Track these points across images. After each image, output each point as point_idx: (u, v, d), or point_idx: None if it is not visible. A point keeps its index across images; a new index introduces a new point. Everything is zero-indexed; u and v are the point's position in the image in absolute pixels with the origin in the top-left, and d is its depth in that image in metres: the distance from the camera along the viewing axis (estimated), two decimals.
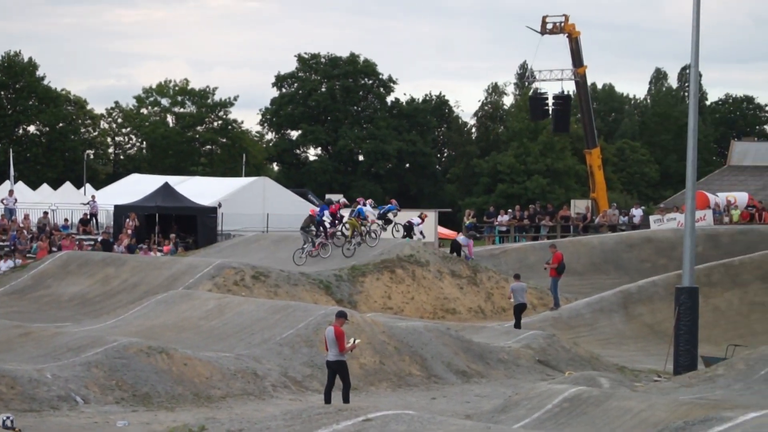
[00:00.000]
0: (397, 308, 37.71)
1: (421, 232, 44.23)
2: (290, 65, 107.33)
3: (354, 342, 21.20)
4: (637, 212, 59.35)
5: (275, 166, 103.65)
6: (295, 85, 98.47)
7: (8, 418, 19.35)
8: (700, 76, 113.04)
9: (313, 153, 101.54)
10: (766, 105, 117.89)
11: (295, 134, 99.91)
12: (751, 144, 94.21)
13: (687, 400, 19.77)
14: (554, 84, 65.66)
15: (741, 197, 58.85)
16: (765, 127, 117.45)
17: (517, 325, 33.24)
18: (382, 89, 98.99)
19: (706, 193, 58.38)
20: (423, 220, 45.03)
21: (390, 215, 42.73)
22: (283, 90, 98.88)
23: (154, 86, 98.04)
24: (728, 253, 43.23)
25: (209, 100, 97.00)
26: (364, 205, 42.39)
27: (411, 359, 26.46)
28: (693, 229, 28.27)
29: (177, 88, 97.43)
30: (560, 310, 37.36)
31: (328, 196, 72.37)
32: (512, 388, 24.65)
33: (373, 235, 41.20)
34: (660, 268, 43.52)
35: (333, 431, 12.82)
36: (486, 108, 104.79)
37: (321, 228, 40.77)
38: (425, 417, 13.13)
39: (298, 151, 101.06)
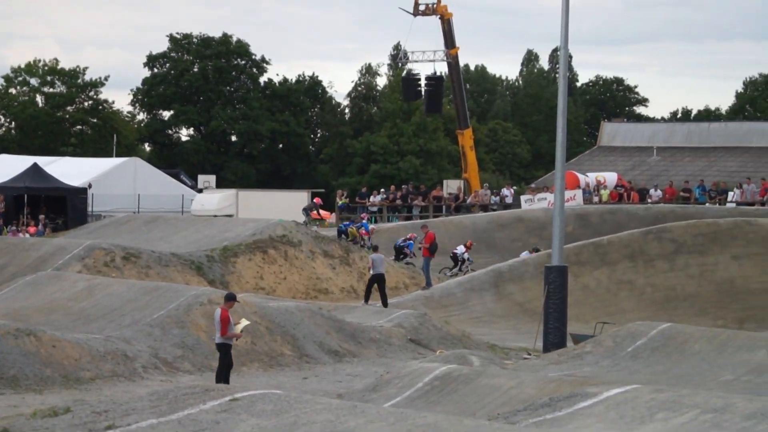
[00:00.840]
0: (270, 288, 37.59)
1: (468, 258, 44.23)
2: (162, 45, 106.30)
3: (242, 327, 21.10)
4: (508, 192, 60.01)
5: (147, 147, 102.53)
6: (167, 65, 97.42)
7: None
8: (571, 57, 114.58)
9: (185, 133, 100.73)
10: (635, 86, 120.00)
11: (167, 115, 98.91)
12: (621, 125, 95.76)
13: (555, 377, 20.03)
14: (427, 65, 66.06)
15: (610, 177, 59.83)
16: (635, 108, 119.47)
17: (383, 297, 33.58)
18: (255, 70, 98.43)
19: (576, 174, 59.22)
20: (468, 248, 44.93)
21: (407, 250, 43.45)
22: (155, 70, 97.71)
23: (23, 66, 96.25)
24: (597, 233, 43.88)
25: (79, 80, 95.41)
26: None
27: (283, 339, 26.39)
28: (562, 209, 28.60)
29: (46, 68, 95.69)
30: (432, 289, 37.62)
31: (201, 177, 72.09)
32: (384, 367, 24.72)
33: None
34: (531, 247, 44.04)
35: (200, 411, 12.72)
36: (359, 89, 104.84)
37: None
38: (292, 396, 13.10)
39: (170, 132, 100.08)
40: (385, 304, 33.83)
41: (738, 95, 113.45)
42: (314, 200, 49.46)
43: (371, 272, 33.89)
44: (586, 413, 13.46)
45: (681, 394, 13.80)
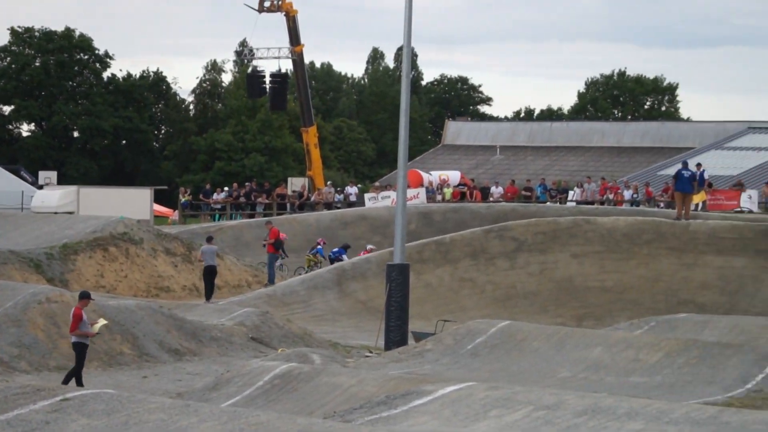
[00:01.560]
0: (110, 287, 37.06)
1: None
2: (2, 39, 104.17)
3: (99, 327, 20.80)
4: (352, 190, 60.18)
5: None
6: (8, 59, 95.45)
7: None
8: (416, 56, 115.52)
9: (26, 129, 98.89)
10: (479, 86, 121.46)
11: (7, 109, 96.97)
12: (465, 123, 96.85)
13: (395, 374, 20.10)
14: (272, 62, 65.84)
15: (453, 176, 60.44)
16: (479, 107, 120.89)
17: (209, 290, 33.46)
18: (98, 65, 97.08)
19: (419, 172, 59.69)
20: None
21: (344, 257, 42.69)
22: None
23: None
24: (440, 231, 44.15)
25: None
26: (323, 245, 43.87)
27: (122, 338, 26.03)
28: (404, 207, 28.73)
29: None
30: (275, 287, 37.50)
31: (42, 173, 70.69)
32: (225, 366, 24.57)
33: None
34: (375, 245, 44.18)
35: (30, 411, 12.47)
36: (204, 85, 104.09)
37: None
38: (125, 396, 12.93)
39: (10, 127, 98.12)
40: (209, 296, 33.79)
41: (580, 95, 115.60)
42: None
43: (202, 263, 33.93)
44: (421, 411, 13.54)
45: (515, 391, 13.97)
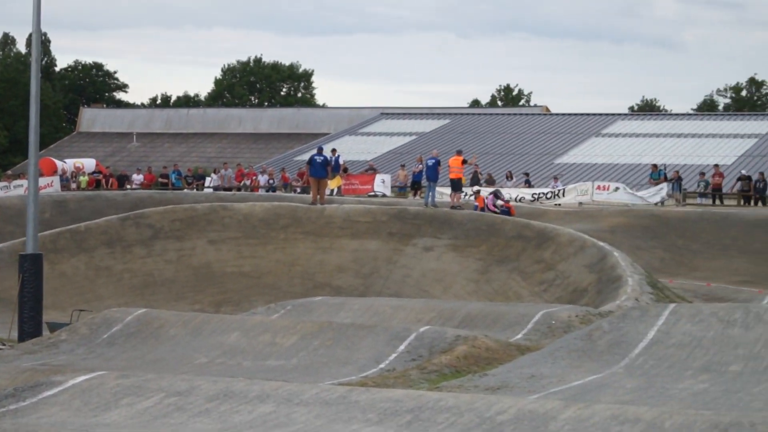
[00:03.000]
0: None
1: None
2: None
3: None
4: None
5: None
6: None
7: None
8: (49, 42, 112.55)
9: None
10: (115, 72, 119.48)
11: None
12: (101, 110, 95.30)
13: (28, 366, 19.54)
14: None
15: (88, 163, 59.37)
16: (114, 94, 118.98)
17: None
18: None
19: (53, 160, 58.30)
20: None
21: None
22: None
23: None
24: (76, 219, 43.21)
25: None
26: None
27: None
28: (36, 196, 27.90)
29: None
30: None
31: None
32: None
33: None
34: (7, 235, 42.75)
35: None
36: None
37: None
38: None
39: None
40: None
41: (216, 82, 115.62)
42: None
43: None
44: (50, 402, 13.18)
45: (146, 379, 13.81)
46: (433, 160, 40.81)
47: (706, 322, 20.14)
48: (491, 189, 45.24)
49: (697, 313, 20.72)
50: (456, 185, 40.80)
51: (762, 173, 49.57)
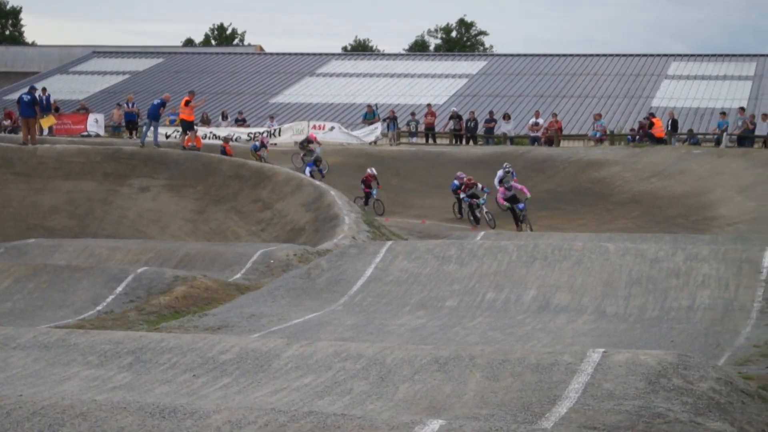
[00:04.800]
0: None
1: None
2: None
3: None
4: None
5: None
6: None
7: None
8: None
9: None
10: None
11: None
12: None
13: None
14: None
15: None
16: None
17: None
18: None
19: None
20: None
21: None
22: None
23: None
24: None
25: None
26: None
27: None
28: None
29: None
30: None
31: None
32: None
33: None
34: None
35: None
36: None
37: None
38: None
39: None
40: None
41: None
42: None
43: None
44: None
45: None
46: (159, 100, 40.05)
47: (422, 259, 20.62)
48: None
49: (413, 250, 21.19)
50: (184, 126, 40.10)
51: (473, 112, 50.93)
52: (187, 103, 39.29)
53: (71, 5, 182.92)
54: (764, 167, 37.82)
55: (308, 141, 43.95)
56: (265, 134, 48.63)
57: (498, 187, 35.11)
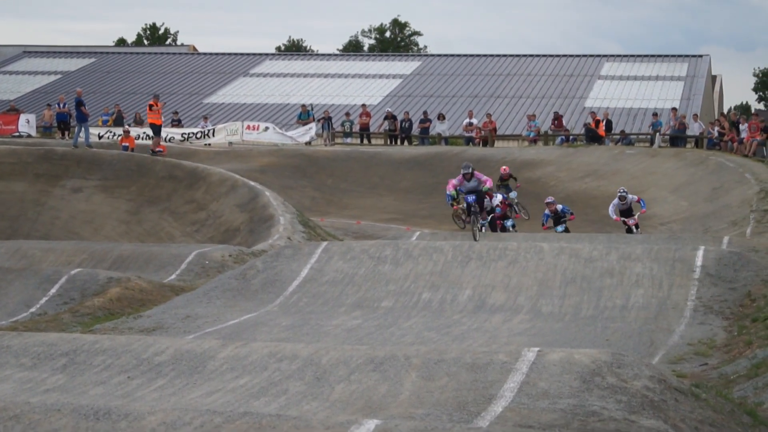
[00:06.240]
0: None
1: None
2: None
3: None
4: None
5: None
6: None
7: None
8: None
9: None
10: None
11: None
12: None
13: None
14: None
15: None
16: None
17: None
18: None
19: None
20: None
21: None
22: None
23: None
24: None
25: None
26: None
27: None
28: None
29: None
30: None
31: None
32: None
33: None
34: None
35: None
36: None
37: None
38: None
39: None
40: None
41: None
42: None
43: None
44: None
45: None
46: (75, 101, 39.65)
47: (357, 259, 20.62)
48: None
49: (348, 250, 21.17)
50: (153, 129, 39.74)
51: (407, 113, 51.01)
52: (151, 108, 39.10)
53: (1, 4, 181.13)
54: (696, 167, 38.23)
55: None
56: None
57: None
